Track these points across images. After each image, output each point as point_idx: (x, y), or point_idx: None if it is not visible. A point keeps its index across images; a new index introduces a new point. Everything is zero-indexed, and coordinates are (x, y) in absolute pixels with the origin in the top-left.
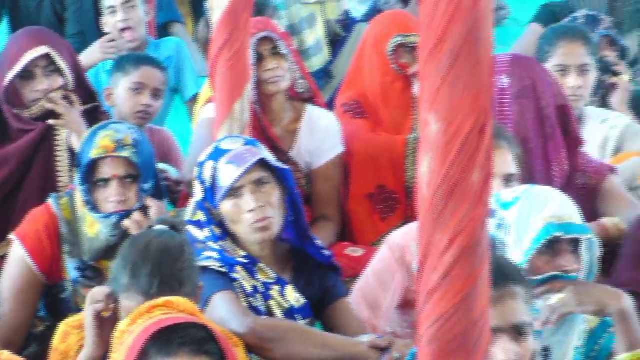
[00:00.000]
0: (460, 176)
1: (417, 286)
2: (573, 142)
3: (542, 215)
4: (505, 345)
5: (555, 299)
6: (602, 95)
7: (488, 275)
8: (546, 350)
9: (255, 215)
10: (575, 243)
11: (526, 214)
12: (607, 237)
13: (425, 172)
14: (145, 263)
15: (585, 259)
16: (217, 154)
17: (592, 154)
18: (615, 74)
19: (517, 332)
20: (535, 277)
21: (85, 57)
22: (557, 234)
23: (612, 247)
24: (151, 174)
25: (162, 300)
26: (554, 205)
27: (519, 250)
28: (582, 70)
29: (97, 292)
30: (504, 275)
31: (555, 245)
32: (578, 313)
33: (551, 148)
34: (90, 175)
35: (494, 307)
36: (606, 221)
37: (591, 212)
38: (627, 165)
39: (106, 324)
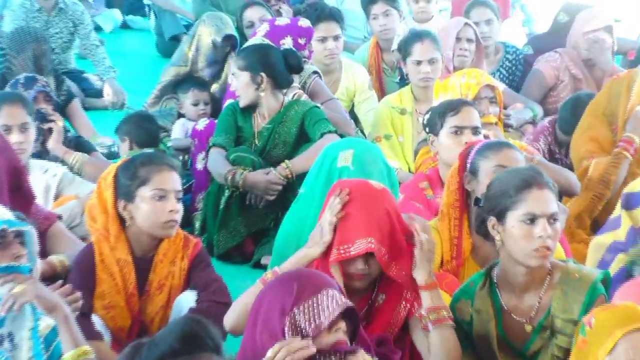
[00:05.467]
0: None
1: None
2: (26, 196)
3: None
4: None
5: (17, 288)
6: (42, 140)
7: None
8: (10, 335)
9: None
10: (21, 237)
11: None
12: (53, 272)
13: None
14: None
15: (28, 249)
16: None
17: (37, 199)
18: (50, 121)
19: None
20: None
21: None
22: (4, 226)
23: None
24: None
25: None
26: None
27: None
28: (23, 128)
29: None
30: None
31: (3, 240)
32: (34, 303)
33: None
34: None
35: None
36: (53, 258)
37: (43, 252)
38: (67, 207)
39: None
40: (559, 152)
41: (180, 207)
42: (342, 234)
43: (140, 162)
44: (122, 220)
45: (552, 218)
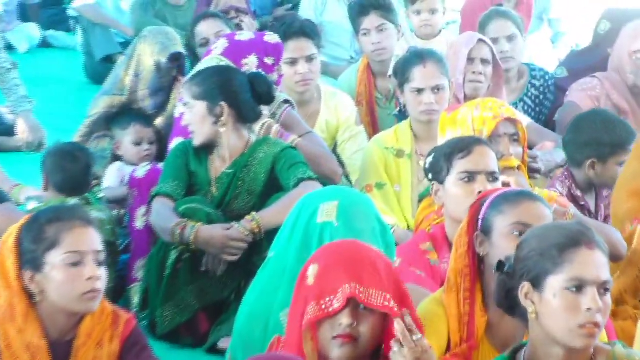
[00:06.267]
0: None
1: None
2: None
3: None
4: None
5: None
6: None
7: None
8: None
9: None
10: None
11: None
12: None
13: None
14: None
15: None
16: None
17: None
18: None
19: None
20: None
21: None
22: None
23: None
24: None
25: None
26: None
27: None
28: None
29: None
30: None
31: None
32: None
33: None
34: None
35: None
36: None
37: None
38: None
39: None
40: (583, 197)
41: (102, 273)
42: (320, 287)
43: (47, 220)
44: (31, 295)
45: (603, 287)
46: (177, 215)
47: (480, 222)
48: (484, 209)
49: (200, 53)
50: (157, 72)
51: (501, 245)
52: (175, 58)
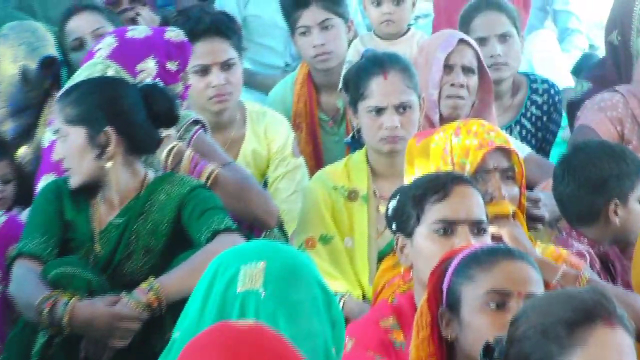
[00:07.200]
0: None
1: None
2: None
3: None
4: None
5: None
6: None
7: None
8: None
9: None
10: None
11: None
12: None
13: None
14: None
15: None
16: None
17: None
18: None
19: None
20: None
21: None
22: None
23: None
24: None
25: None
26: None
27: None
28: None
29: None
30: None
31: None
32: None
33: None
34: None
35: None
36: None
37: None
38: None
39: None
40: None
41: None
42: None
43: None
44: None
45: None
46: (46, 284)
47: (444, 294)
48: (447, 276)
49: (74, 60)
50: (24, 84)
51: (474, 324)
52: (48, 64)
